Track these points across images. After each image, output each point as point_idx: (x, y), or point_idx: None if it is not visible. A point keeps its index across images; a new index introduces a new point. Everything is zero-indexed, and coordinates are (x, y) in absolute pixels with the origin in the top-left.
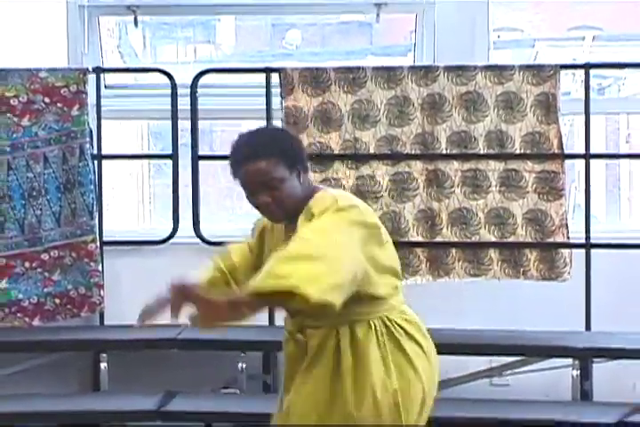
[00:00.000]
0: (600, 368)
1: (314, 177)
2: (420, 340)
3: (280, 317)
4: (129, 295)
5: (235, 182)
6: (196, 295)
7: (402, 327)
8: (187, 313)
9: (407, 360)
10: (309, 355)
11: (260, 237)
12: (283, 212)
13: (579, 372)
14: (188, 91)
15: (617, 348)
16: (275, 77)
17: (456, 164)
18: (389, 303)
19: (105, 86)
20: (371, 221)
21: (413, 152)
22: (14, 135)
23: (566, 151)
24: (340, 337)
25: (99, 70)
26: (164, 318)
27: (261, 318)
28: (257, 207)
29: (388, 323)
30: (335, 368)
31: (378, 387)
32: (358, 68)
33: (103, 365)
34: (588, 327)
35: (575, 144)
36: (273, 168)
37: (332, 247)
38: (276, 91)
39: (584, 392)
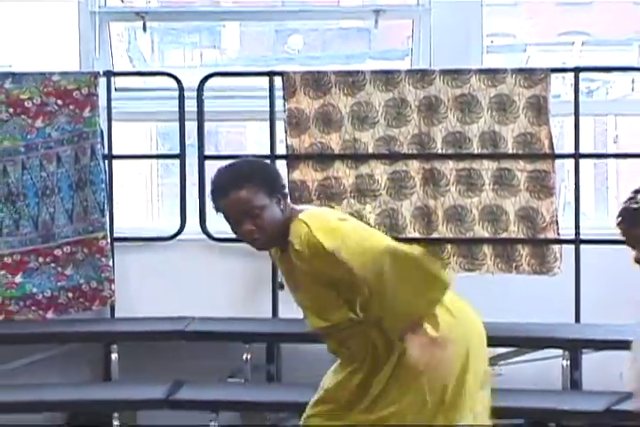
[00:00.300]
0: (589, 359)
1: (315, 176)
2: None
3: (283, 309)
4: (138, 289)
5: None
6: None
7: None
8: None
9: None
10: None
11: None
12: (266, 238)
13: (568, 362)
14: (195, 93)
15: (605, 339)
16: (278, 81)
17: (451, 163)
18: None
19: (115, 89)
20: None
21: (410, 152)
22: (28, 136)
23: (556, 151)
24: (372, 336)
25: (109, 74)
26: None
27: (265, 310)
28: (242, 236)
29: None
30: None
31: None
32: (357, 71)
33: (114, 355)
34: (577, 320)
35: (565, 144)
36: (253, 196)
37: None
38: (278, 93)
39: (573, 382)
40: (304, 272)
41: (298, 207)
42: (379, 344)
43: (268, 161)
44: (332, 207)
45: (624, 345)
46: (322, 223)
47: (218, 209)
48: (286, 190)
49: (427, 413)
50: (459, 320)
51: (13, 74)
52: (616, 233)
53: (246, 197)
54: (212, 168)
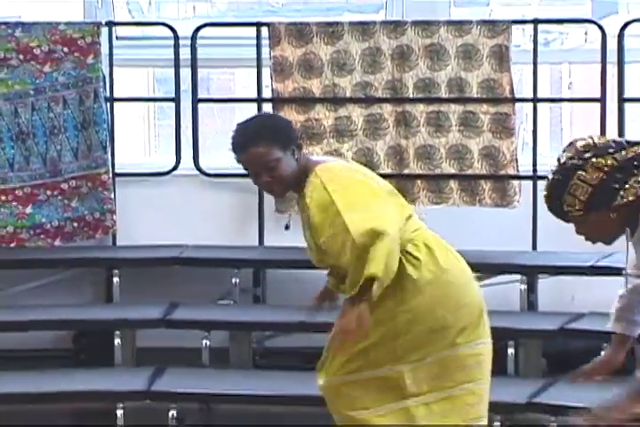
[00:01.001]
0: (544, 283)
1: (298, 118)
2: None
3: (268, 238)
4: (137, 220)
5: (230, 127)
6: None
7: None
8: None
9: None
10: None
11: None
12: (283, 188)
13: (526, 286)
14: (189, 42)
15: (559, 265)
16: (264, 31)
17: (421, 106)
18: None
19: (116, 38)
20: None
21: (384, 96)
22: (37, 80)
23: (516, 96)
24: None
25: (111, 24)
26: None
27: (252, 239)
28: (261, 186)
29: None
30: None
31: None
32: (336, 22)
33: (115, 279)
34: (534, 248)
35: (524, 90)
36: (268, 152)
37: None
38: (265, 42)
39: (530, 304)
40: (310, 221)
41: (314, 158)
42: None
43: (274, 113)
44: (314, 146)
45: (576, 271)
46: (333, 174)
47: (238, 161)
48: (300, 142)
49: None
50: (444, 270)
51: (23, 24)
52: None
53: (262, 153)
54: (204, 110)
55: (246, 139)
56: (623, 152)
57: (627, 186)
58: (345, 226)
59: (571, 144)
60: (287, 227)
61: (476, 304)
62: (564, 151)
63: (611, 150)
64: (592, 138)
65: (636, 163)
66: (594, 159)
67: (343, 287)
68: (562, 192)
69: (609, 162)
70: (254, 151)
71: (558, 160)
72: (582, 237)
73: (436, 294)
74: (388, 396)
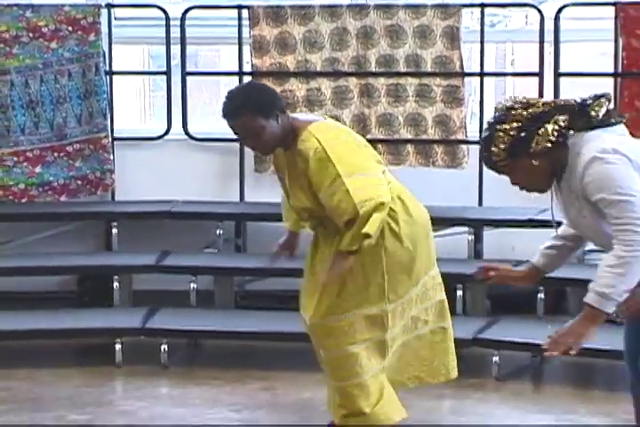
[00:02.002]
0: (488, 234)
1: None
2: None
3: (248, 194)
4: (134, 179)
5: (215, 97)
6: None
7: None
8: None
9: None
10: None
11: (274, 162)
12: (269, 149)
13: (472, 237)
14: (179, 23)
15: (501, 219)
16: (245, 13)
17: (382, 79)
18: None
19: (115, 18)
20: (347, 136)
21: (350, 70)
22: (45, 55)
23: (465, 70)
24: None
25: (109, 6)
26: None
27: (234, 195)
28: (249, 148)
29: None
30: None
31: None
32: (309, 6)
33: (114, 231)
34: (480, 204)
35: (472, 65)
36: (251, 121)
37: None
38: (245, 23)
39: (476, 252)
40: (302, 173)
41: (301, 118)
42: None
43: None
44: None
45: (516, 224)
46: (328, 136)
47: (229, 126)
48: (283, 107)
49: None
50: (414, 219)
51: (32, 5)
52: None
53: (246, 123)
54: (192, 83)
55: (232, 110)
56: (537, 106)
57: (540, 133)
58: (346, 190)
59: (498, 104)
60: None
61: (433, 244)
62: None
63: (526, 106)
64: (513, 98)
65: (547, 114)
66: (512, 112)
67: (321, 230)
68: (489, 145)
69: (524, 113)
70: (240, 121)
71: (488, 121)
72: (522, 194)
73: (410, 239)
74: (372, 332)
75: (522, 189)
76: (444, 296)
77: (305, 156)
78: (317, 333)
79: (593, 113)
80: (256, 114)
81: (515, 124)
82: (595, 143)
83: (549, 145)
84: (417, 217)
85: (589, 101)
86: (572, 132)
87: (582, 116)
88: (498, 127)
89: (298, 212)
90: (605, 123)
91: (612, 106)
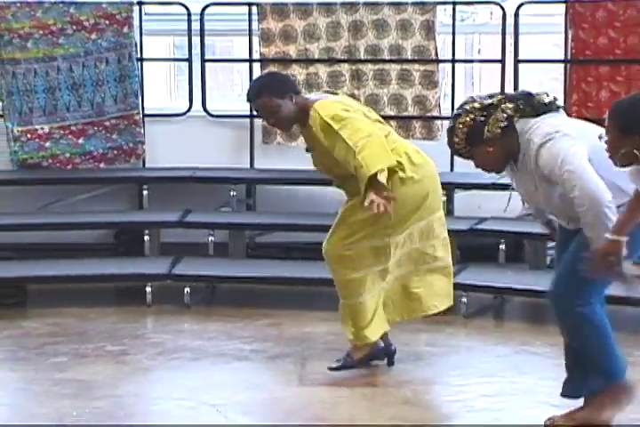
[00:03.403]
0: (458, 196)
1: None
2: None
3: (258, 162)
4: (161, 149)
5: (229, 81)
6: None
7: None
8: None
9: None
10: None
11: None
12: (286, 125)
13: (445, 198)
14: (199, 17)
15: (469, 183)
16: (254, 9)
17: (369, 65)
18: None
19: (145, 14)
20: (349, 106)
21: (342, 58)
22: (86, 45)
23: (440, 58)
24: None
25: (140, 3)
26: None
27: (245, 162)
28: (271, 125)
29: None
30: None
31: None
32: (307, 3)
33: (145, 192)
34: (451, 169)
35: (445, 53)
36: (268, 102)
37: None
38: (255, 18)
39: (448, 211)
40: (320, 143)
41: (312, 97)
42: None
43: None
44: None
45: (482, 187)
46: (330, 112)
47: (255, 110)
48: (296, 88)
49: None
50: (419, 167)
51: (75, 3)
52: None
53: (264, 103)
54: (210, 68)
55: (253, 93)
56: (486, 99)
57: (490, 121)
58: (346, 143)
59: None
60: (307, 150)
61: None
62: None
63: (478, 100)
64: (473, 96)
65: (495, 105)
66: (466, 107)
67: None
68: (452, 137)
69: (476, 106)
70: (260, 101)
71: (451, 117)
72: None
73: (418, 183)
74: (377, 260)
75: (483, 170)
76: (446, 234)
77: (315, 129)
78: (329, 258)
79: (537, 101)
80: (272, 95)
81: (469, 117)
82: (542, 129)
83: (499, 131)
84: (422, 165)
85: (534, 93)
86: (516, 118)
87: (528, 105)
88: (457, 120)
89: (325, 172)
90: (549, 109)
91: (553, 97)
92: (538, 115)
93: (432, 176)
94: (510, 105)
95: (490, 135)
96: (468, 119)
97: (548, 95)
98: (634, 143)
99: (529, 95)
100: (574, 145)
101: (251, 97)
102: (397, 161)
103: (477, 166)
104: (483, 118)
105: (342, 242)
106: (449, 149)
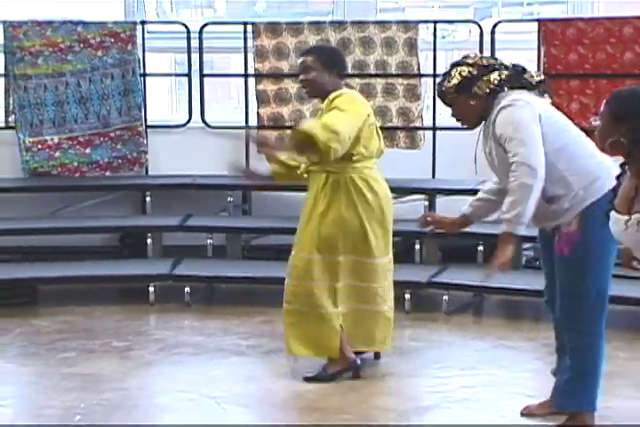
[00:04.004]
0: (440, 201)
1: (272, 87)
2: (367, 196)
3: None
4: (163, 158)
5: (227, 95)
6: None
7: (358, 186)
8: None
9: (354, 205)
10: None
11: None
12: (311, 90)
13: (427, 203)
14: (197, 35)
15: (450, 189)
16: (249, 28)
17: (357, 79)
18: (356, 167)
19: (147, 32)
20: (363, 111)
21: None
22: (93, 61)
23: (422, 72)
24: (321, 181)
25: (143, 22)
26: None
27: None
28: (300, 83)
29: (351, 181)
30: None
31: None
32: (299, 22)
33: (148, 198)
34: (433, 176)
35: (427, 68)
36: (313, 61)
37: (343, 122)
38: (250, 36)
39: None
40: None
41: (342, 87)
42: None
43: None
44: (283, 107)
45: (461, 192)
46: (344, 98)
47: (300, 63)
48: (340, 71)
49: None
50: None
51: (83, 22)
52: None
53: (309, 60)
54: (208, 83)
55: (310, 49)
56: (490, 60)
57: (484, 79)
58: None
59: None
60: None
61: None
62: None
63: (482, 58)
64: (477, 53)
65: (495, 67)
66: (469, 60)
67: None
68: (444, 80)
69: (478, 62)
70: (307, 58)
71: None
72: (465, 169)
73: (377, 209)
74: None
75: (457, 120)
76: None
77: (324, 107)
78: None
79: (527, 76)
80: (320, 59)
81: (469, 69)
82: (511, 96)
83: (488, 91)
84: (383, 196)
85: (527, 70)
86: (506, 87)
87: (518, 78)
88: (456, 68)
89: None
90: (535, 88)
91: (540, 78)
92: (522, 88)
93: (387, 205)
94: (506, 72)
95: (478, 91)
96: (466, 70)
97: (538, 76)
98: (622, 132)
99: (524, 69)
100: (534, 119)
101: (306, 51)
102: (369, 185)
103: (454, 115)
104: (480, 73)
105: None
106: (437, 91)
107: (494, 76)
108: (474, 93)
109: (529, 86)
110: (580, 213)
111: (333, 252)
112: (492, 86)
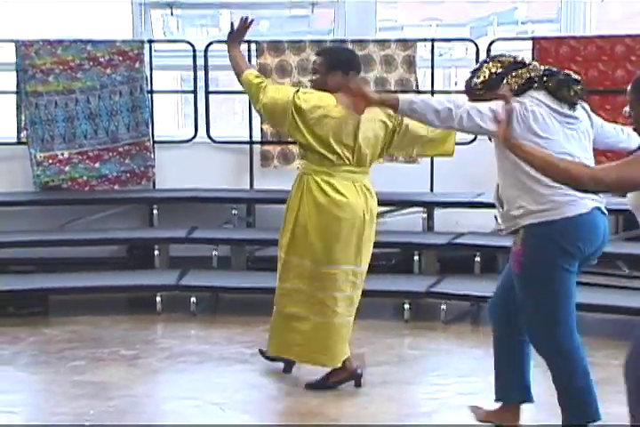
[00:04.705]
0: (438, 213)
1: None
2: (331, 194)
3: (257, 184)
4: (169, 172)
5: (231, 111)
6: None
7: (319, 185)
8: None
9: (316, 203)
10: None
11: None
12: (316, 86)
13: (426, 215)
14: (203, 53)
15: (447, 201)
16: (253, 46)
17: None
18: (321, 169)
19: (154, 51)
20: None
21: None
22: (102, 79)
23: (420, 89)
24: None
25: (150, 41)
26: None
27: (245, 184)
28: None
29: (312, 180)
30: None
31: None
32: (301, 40)
33: (155, 211)
34: (431, 190)
35: (425, 85)
36: (318, 63)
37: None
38: (253, 53)
39: (429, 227)
40: None
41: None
42: None
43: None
44: None
45: (459, 205)
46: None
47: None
48: (348, 70)
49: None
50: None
51: (92, 41)
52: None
53: (316, 61)
54: (213, 99)
55: (322, 49)
56: (520, 58)
57: (513, 74)
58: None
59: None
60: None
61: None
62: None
63: (513, 56)
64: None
65: (523, 66)
66: (501, 58)
67: None
68: (473, 75)
69: (505, 59)
70: (318, 58)
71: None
72: (462, 182)
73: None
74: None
75: None
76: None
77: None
78: None
79: (561, 82)
80: (326, 60)
81: (498, 66)
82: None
83: (516, 87)
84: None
85: (568, 80)
86: (534, 86)
87: (550, 81)
88: (485, 64)
89: None
90: (557, 95)
91: (577, 92)
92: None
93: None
94: (533, 73)
95: (506, 87)
96: (496, 66)
97: (577, 89)
98: None
99: (565, 76)
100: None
101: (320, 51)
102: (319, 184)
103: None
104: (509, 70)
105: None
106: (464, 86)
107: (523, 74)
108: (495, 88)
109: (553, 90)
110: (524, 232)
111: (291, 253)
112: (520, 82)
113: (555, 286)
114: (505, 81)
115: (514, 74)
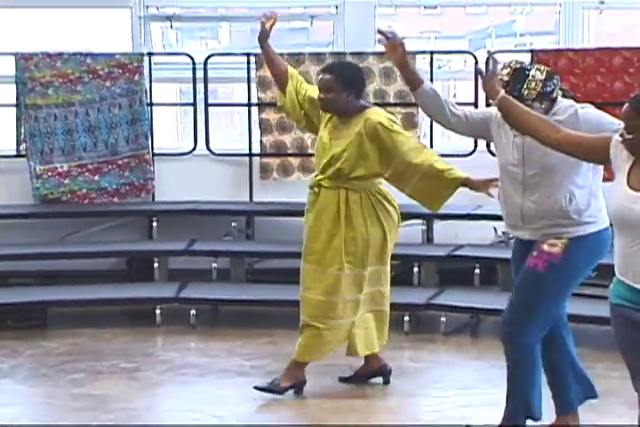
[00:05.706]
0: (438, 225)
1: (275, 116)
2: (388, 207)
3: (256, 196)
4: (169, 185)
5: (231, 123)
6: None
7: (379, 199)
8: None
9: (377, 218)
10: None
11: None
12: (328, 108)
13: (425, 227)
14: (202, 66)
15: (447, 213)
16: (252, 58)
17: None
18: (374, 183)
19: (154, 63)
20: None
21: None
22: (101, 91)
23: None
24: (340, 197)
25: (150, 54)
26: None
27: (245, 196)
28: (319, 100)
29: (371, 195)
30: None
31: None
32: (300, 53)
33: (154, 224)
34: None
35: None
36: (331, 81)
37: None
38: (253, 66)
39: (429, 239)
40: (356, 134)
41: (365, 104)
42: None
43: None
44: (285, 135)
45: (459, 217)
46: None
47: (319, 80)
48: (359, 93)
49: None
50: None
51: (92, 53)
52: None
53: (328, 79)
54: (213, 112)
55: (332, 66)
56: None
57: (554, 82)
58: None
59: (504, 64)
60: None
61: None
62: (503, 66)
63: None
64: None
65: (552, 77)
66: (532, 66)
67: None
68: (522, 86)
69: (541, 68)
70: (327, 76)
71: (509, 66)
72: (461, 194)
73: (396, 219)
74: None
75: None
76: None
77: (360, 126)
78: None
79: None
80: (339, 79)
81: (539, 73)
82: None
83: (559, 94)
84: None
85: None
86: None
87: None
88: (528, 73)
89: (320, 158)
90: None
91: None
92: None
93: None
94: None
95: (553, 95)
96: (540, 75)
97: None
98: None
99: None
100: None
101: (327, 69)
102: (378, 199)
103: None
104: (552, 79)
105: None
106: (516, 96)
107: (557, 81)
108: (549, 98)
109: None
110: (570, 240)
111: (362, 266)
112: (560, 92)
113: (569, 290)
114: (555, 90)
115: (555, 82)
